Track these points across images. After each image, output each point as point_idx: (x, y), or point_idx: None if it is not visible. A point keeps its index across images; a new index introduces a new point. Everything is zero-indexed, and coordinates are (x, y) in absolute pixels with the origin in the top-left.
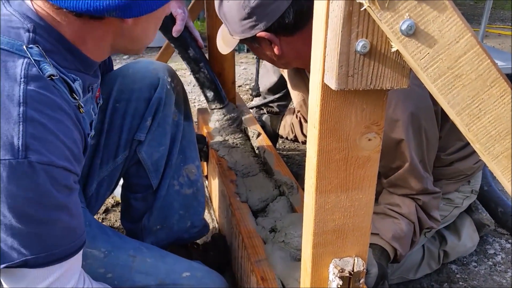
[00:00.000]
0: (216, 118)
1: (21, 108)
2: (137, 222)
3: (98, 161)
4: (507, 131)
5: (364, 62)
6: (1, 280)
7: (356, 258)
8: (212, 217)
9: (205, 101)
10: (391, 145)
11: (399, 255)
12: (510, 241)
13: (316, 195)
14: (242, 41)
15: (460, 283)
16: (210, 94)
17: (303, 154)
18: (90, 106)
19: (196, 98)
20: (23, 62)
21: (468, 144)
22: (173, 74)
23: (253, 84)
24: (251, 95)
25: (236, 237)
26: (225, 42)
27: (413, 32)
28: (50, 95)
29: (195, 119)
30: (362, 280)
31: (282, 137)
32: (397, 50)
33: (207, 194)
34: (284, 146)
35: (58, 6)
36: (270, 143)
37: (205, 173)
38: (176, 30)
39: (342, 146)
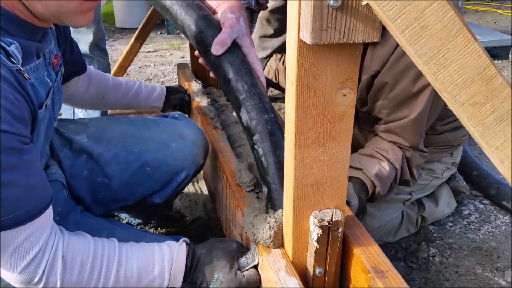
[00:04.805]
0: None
1: None
2: None
3: None
4: (471, 79)
5: (337, 16)
6: None
7: (334, 210)
8: (198, 192)
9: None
10: (410, 94)
11: (377, 194)
12: (483, 202)
13: (295, 150)
14: None
15: (437, 241)
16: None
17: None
18: (43, 72)
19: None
20: None
21: None
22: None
23: None
24: None
25: (220, 179)
26: None
27: None
28: None
29: (175, 75)
30: (340, 229)
31: None
32: (367, 3)
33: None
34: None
35: None
36: None
37: None
38: (216, 42)
39: (319, 101)
